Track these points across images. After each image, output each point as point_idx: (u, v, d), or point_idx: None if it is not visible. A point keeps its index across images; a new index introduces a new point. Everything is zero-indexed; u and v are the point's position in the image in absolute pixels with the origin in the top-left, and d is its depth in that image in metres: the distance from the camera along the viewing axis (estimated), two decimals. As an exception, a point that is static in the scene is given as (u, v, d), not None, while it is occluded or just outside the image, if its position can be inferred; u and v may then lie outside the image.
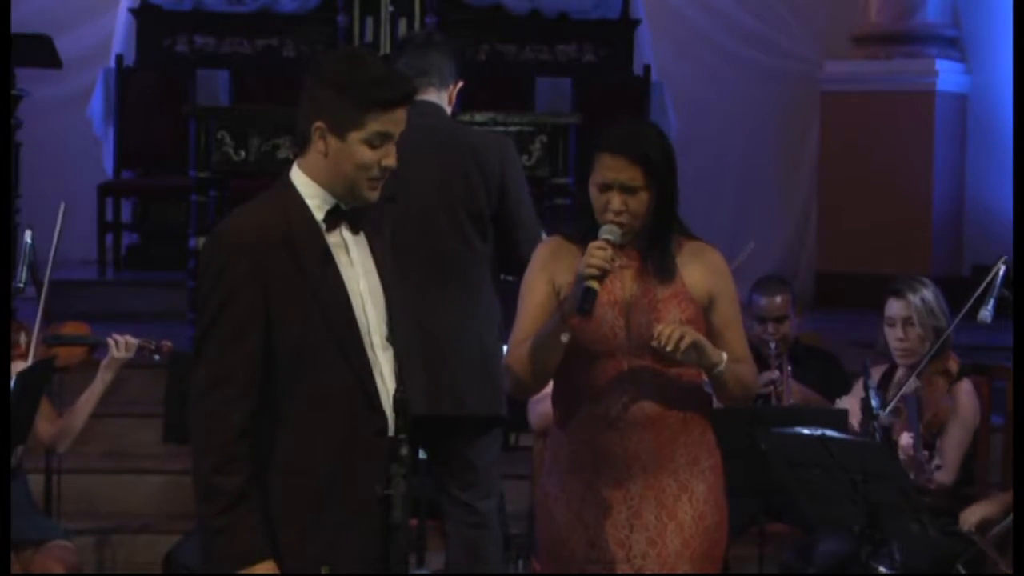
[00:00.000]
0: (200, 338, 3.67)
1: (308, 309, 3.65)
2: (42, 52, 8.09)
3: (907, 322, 5.85)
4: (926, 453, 5.50)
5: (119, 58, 10.61)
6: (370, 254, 3.79)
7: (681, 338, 3.99)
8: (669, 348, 3.99)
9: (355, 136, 3.67)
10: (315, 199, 3.72)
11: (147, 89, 10.53)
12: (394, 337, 3.78)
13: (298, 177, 3.74)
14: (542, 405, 5.67)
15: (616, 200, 4.07)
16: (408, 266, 5.13)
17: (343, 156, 3.68)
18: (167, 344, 6.03)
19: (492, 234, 5.26)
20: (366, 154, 3.68)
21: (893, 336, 5.89)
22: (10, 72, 7.59)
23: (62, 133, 10.53)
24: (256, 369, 3.63)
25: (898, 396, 5.64)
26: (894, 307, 5.88)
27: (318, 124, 3.68)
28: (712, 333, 4.15)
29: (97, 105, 10.54)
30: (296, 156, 3.77)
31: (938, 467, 5.63)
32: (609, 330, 4.12)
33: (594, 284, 3.97)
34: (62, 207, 5.95)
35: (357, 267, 3.75)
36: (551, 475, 4.25)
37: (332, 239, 3.72)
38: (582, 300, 3.97)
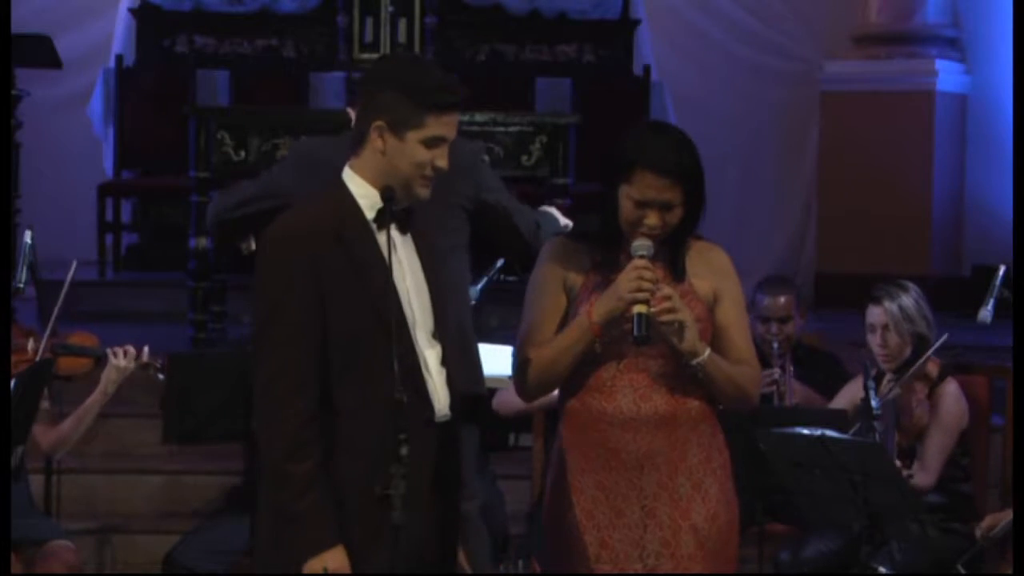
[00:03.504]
0: (259, 333, 3.81)
1: (359, 302, 3.78)
2: (42, 52, 8.09)
3: (885, 329, 5.87)
4: (899, 463, 5.49)
5: (119, 58, 10.59)
6: (416, 254, 3.93)
7: (671, 311, 3.95)
8: (655, 312, 3.93)
9: (413, 136, 3.83)
10: (367, 198, 3.87)
11: (147, 89, 10.52)
12: (441, 333, 3.92)
13: (351, 178, 3.90)
14: (505, 393, 5.68)
15: (654, 217, 4.05)
16: None
17: (400, 154, 3.84)
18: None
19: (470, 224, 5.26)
20: (422, 153, 3.84)
21: (874, 342, 5.91)
22: (10, 72, 7.59)
23: (62, 133, 10.52)
24: (316, 361, 3.76)
25: (879, 403, 5.64)
26: (872, 314, 5.91)
27: (378, 122, 3.83)
28: (715, 333, 4.11)
29: (97, 105, 10.53)
30: (349, 158, 3.91)
31: (910, 475, 5.62)
32: (619, 328, 4.07)
33: (642, 308, 3.96)
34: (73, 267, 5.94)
35: (404, 265, 3.90)
36: (560, 474, 4.19)
37: (381, 238, 3.85)
38: (638, 328, 3.96)
